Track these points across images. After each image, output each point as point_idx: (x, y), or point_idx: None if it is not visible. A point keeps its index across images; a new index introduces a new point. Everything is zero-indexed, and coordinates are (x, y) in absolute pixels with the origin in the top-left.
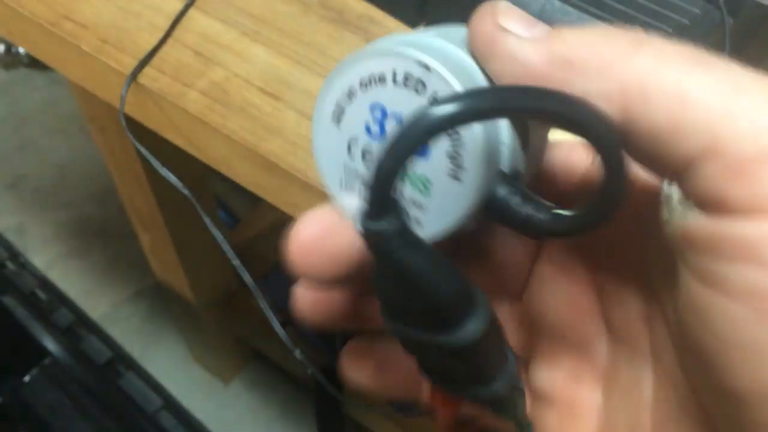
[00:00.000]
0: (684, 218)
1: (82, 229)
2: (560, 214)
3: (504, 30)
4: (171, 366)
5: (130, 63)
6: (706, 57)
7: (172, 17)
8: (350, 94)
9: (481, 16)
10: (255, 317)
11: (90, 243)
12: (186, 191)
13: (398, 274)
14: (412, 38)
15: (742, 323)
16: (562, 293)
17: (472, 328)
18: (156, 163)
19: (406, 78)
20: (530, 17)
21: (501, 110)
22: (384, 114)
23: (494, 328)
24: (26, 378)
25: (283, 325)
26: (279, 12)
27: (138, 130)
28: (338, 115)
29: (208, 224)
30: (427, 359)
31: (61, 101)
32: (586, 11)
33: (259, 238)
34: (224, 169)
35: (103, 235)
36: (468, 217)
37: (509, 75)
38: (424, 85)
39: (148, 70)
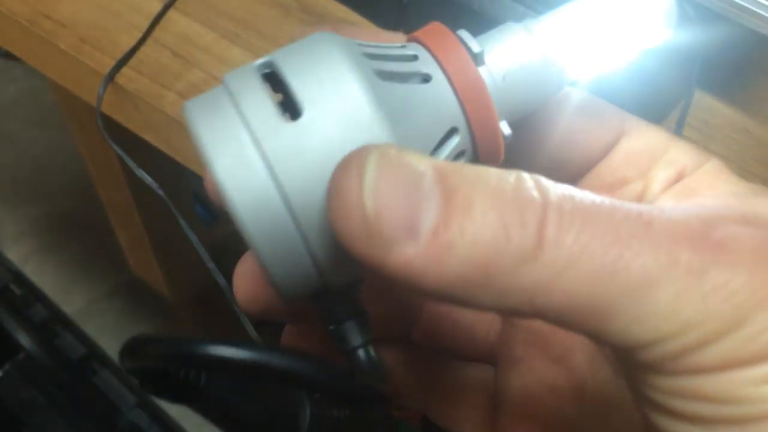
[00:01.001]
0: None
1: (59, 223)
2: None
3: (384, 247)
4: None
5: (108, 63)
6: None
7: (152, 18)
8: None
9: (350, 214)
10: (231, 315)
11: (66, 237)
12: (162, 192)
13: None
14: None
15: None
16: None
17: None
18: (132, 164)
19: None
20: (403, 190)
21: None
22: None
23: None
24: None
25: (258, 324)
26: (259, 15)
27: (115, 127)
28: None
29: (184, 227)
30: None
31: (40, 93)
32: None
33: (237, 234)
34: (201, 171)
35: (80, 229)
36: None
37: (409, 289)
38: None
39: (126, 70)
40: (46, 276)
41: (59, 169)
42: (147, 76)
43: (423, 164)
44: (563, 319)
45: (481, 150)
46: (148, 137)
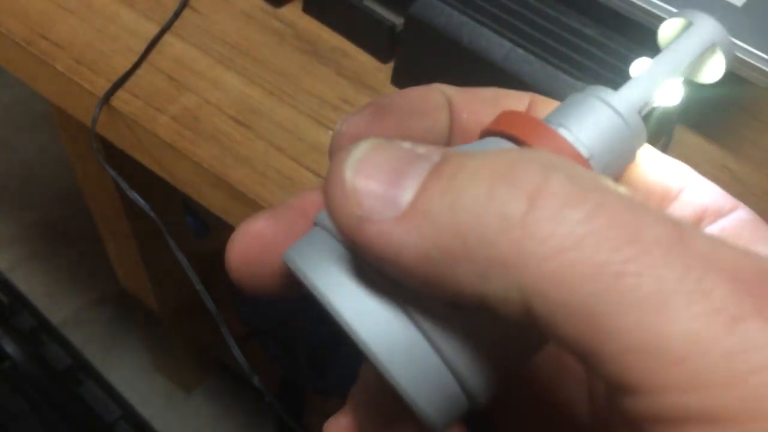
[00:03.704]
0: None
1: (47, 230)
2: None
3: (362, 218)
4: (132, 374)
5: (103, 85)
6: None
7: (148, 41)
8: None
9: (333, 189)
10: (218, 328)
11: (55, 245)
12: (153, 214)
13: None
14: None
15: None
16: None
17: None
18: (125, 186)
19: None
20: (391, 164)
21: None
22: None
23: None
24: None
25: (246, 338)
26: (254, 41)
27: (109, 146)
28: None
29: (173, 247)
30: None
31: (31, 100)
32: (549, 62)
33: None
34: (193, 194)
35: (68, 237)
36: None
37: (392, 268)
38: None
39: (121, 92)
40: (33, 283)
41: (49, 176)
42: (142, 99)
43: (432, 150)
44: (556, 323)
45: None
46: (141, 158)
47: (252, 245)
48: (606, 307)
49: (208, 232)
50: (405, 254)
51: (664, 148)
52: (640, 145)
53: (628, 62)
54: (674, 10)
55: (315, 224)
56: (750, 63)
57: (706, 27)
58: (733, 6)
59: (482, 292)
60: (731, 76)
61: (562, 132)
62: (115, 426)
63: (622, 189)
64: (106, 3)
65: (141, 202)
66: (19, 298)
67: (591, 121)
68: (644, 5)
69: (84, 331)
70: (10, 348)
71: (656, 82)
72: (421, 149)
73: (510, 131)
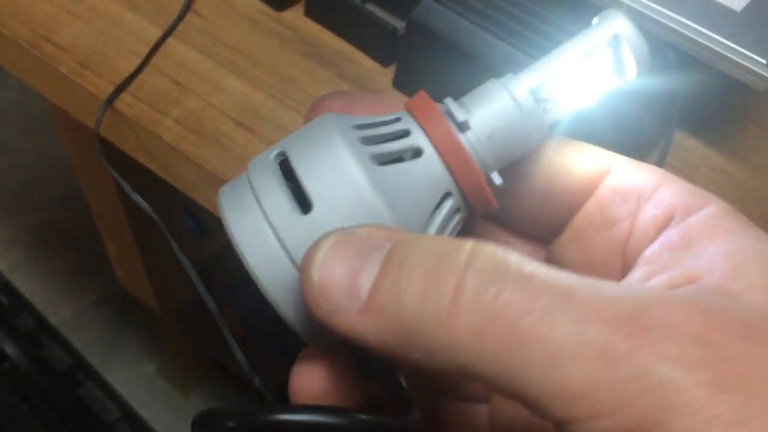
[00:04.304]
0: None
1: (47, 232)
2: (364, 420)
3: (331, 312)
4: (131, 375)
5: (106, 88)
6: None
7: (151, 45)
8: None
9: (306, 289)
10: (218, 330)
11: (55, 247)
12: (156, 216)
13: None
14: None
15: None
16: None
17: None
18: (128, 188)
19: None
20: (350, 260)
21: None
22: None
23: None
24: None
25: (245, 339)
26: (256, 44)
27: (110, 148)
28: None
29: (176, 250)
30: None
31: (33, 102)
32: None
33: (228, 248)
34: (195, 196)
35: (68, 239)
36: None
37: (362, 346)
38: None
39: (124, 95)
40: (34, 285)
41: (50, 178)
42: (145, 102)
43: (381, 238)
44: (491, 384)
45: (474, 204)
46: (144, 161)
47: (309, 379)
48: (520, 369)
49: (207, 233)
50: (368, 339)
51: (663, 153)
52: (538, 127)
53: None
54: (687, 21)
55: (247, 174)
56: (748, 68)
57: (611, 20)
58: (731, 11)
59: (430, 366)
60: (730, 81)
61: (450, 103)
62: (115, 427)
63: (525, 269)
64: (110, 6)
65: (144, 204)
66: (20, 300)
67: (484, 97)
68: (651, 14)
69: (84, 332)
70: (10, 349)
71: (551, 66)
72: (376, 233)
73: (411, 110)
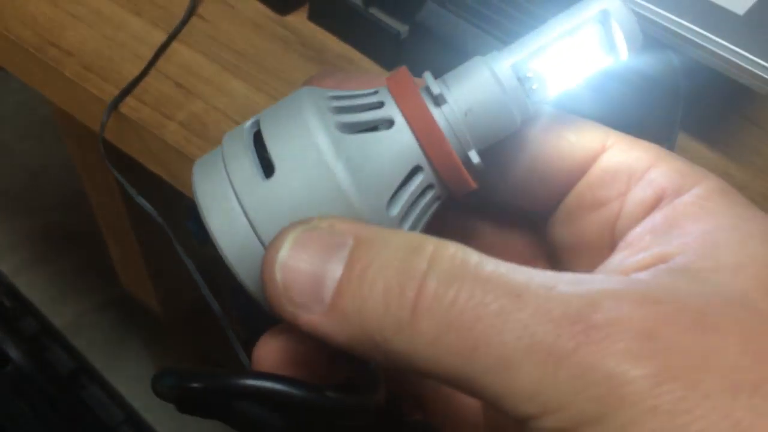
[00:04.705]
0: None
1: (51, 235)
2: (326, 395)
3: (294, 314)
4: (134, 378)
5: (111, 91)
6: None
7: (156, 48)
8: None
9: (268, 287)
10: (221, 333)
11: (58, 250)
12: (161, 219)
13: None
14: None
15: None
16: None
17: None
18: (132, 191)
19: None
20: (313, 259)
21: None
22: None
23: None
24: None
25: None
26: (260, 48)
27: (115, 150)
28: None
29: (180, 252)
30: None
31: (36, 105)
32: None
33: None
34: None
35: (71, 241)
36: None
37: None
38: None
39: (129, 99)
40: (37, 288)
41: (52, 180)
42: (149, 106)
43: (344, 232)
44: (452, 386)
45: (448, 182)
46: (149, 164)
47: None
48: (472, 374)
49: (209, 237)
50: (333, 339)
51: None
52: (521, 104)
53: None
54: (690, 24)
55: (222, 143)
56: (751, 71)
57: None
58: (734, 14)
59: (394, 368)
60: (733, 84)
61: (428, 78)
62: (118, 430)
63: (484, 270)
64: (115, 11)
65: (148, 207)
66: (23, 303)
67: (465, 72)
68: (654, 18)
69: (87, 335)
70: (14, 352)
71: (535, 42)
72: (339, 226)
73: (389, 83)
